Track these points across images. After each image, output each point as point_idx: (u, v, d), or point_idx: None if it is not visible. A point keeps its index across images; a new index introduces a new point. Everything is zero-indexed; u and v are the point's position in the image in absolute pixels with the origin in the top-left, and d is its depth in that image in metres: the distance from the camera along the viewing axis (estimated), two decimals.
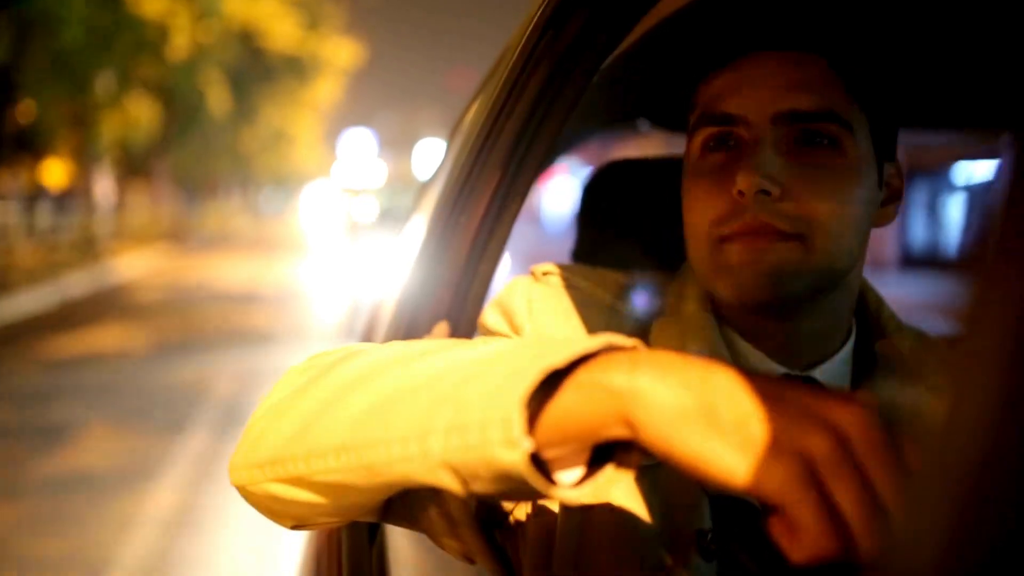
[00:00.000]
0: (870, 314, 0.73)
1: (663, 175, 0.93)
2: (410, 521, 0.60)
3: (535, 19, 0.83)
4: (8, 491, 3.60)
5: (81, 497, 3.54)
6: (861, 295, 0.73)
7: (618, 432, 0.42)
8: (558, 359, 0.43)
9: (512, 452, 0.42)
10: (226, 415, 4.91)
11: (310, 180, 55.87)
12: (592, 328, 0.69)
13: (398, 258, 1.68)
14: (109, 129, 15.23)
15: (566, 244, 1.17)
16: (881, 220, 0.70)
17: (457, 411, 0.44)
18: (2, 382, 5.88)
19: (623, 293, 0.73)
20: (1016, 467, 0.22)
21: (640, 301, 0.73)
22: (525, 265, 0.78)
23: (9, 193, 14.16)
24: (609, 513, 0.62)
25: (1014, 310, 0.22)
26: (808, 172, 0.63)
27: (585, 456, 0.45)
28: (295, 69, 23.30)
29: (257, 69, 21.83)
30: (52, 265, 12.70)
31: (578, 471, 0.45)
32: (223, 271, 14.16)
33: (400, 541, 0.97)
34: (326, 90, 27.13)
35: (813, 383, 0.67)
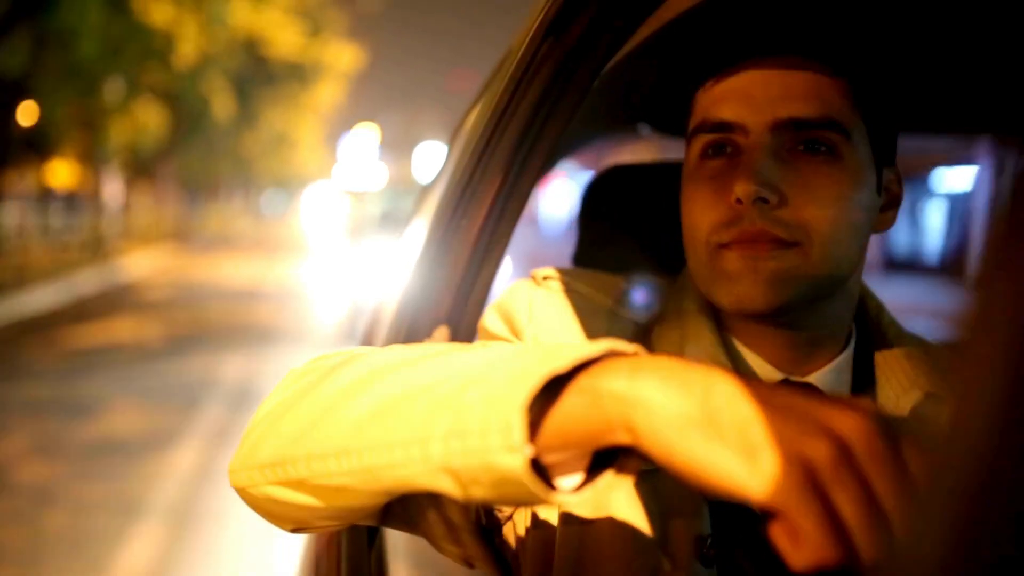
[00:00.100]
0: (870, 320, 0.73)
1: (664, 180, 0.93)
2: (410, 525, 0.60)
3: (537, 24, 0.83)
4: (55, 451, 4.33)
5: (116, 458, 4.21)
6: (861, 301, 0.72)
7: (619, 438, 0.42)
8: (560, 364, 0.43)
9: (512, 457, 0.42)
10: (237, 395, 5.48)
11: (311, 182, 55.90)
12: (592, 333, 0.69)
13: (399, 261, 1.68)
14: (118, 133, 15.43)
15: (563, 246, 1.17)
16: (880, 226, 0.70)
17: (458, 416, 0.44)
18: (32, 365, 6.47)
19: (623, 298, 0.73)
20: (1019, 474, 0.22)
21: (640, 306, 0.73)
22: (523, 265, 0.78)
23: (17, 193, 14.32)
24: (609, 518, 0.61)
25: (1016, 316, 0.22)
26: (806, 179, 0.63)
27: (585, 462, 0.45)
28: (298, 74, 23.38)
29: (261, 75, 21.94)
30: (65, 263, 13.12)
31: (578, 476, 0.45)
32: (226, 271, 14.65)
33: (399, 545, 0.97)
34: (328, 94, 27.19)
35: (813, 389, 0.67)
